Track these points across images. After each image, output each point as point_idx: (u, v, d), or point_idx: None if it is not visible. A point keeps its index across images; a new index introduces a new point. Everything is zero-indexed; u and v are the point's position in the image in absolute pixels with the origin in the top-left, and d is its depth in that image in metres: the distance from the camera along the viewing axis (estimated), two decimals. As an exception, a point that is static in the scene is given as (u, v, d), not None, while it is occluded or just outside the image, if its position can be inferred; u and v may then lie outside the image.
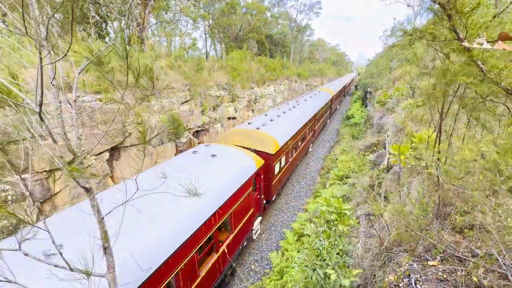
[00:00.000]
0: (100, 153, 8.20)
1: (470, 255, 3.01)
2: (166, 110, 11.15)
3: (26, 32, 1.23)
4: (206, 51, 24.45)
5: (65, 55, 1.31)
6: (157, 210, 4.80)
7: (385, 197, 6.41)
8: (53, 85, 1.31)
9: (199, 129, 13.73)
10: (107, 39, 15.98)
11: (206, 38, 24.68)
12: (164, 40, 19.63)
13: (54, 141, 1.33)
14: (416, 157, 4.50)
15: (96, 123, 8.07)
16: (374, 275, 3.85)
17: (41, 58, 1.19)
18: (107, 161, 8.68)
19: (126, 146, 9.36)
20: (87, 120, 7.84)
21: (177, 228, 4.76)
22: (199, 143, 13.77)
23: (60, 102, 1.30)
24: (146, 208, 4.63)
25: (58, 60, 1.35)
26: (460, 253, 3.03)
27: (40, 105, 1.25)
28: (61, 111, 1.31)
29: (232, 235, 6.85)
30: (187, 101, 12.81)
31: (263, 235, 9.70)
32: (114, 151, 9.07)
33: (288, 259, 7.83)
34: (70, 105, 1.52)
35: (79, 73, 1.52)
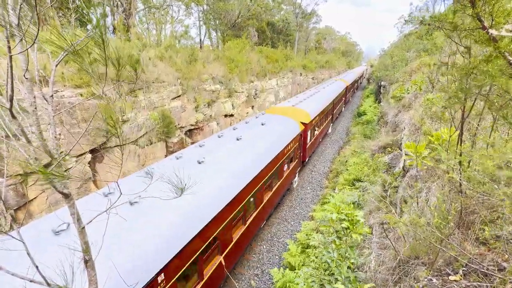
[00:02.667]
0: (80, 155, 8.21)
1: (496, 269, 3.00)
2: (155, 106, 11.17)
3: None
4: (200, 40, 24.47)
5: (34, 43, 1.30)
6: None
7: (401, 207, 6.40)
8: (27, 78, 1.30)
9: (192, 127, 13.74)
10: (89, 27, 16.00)
11: (200, 25, 24.71)
12: (153, 27, 19.66)
13: (28, 141, 1.33)
14: (435, 158, 4.50)
15: (77, 121, 8.08)
16: (389, 292, 3.85)
17: (9, 47, 1.19)
18: (89, 163, 8.68)
19: (110, 147, 9.36)
20: (66, 118, 7.85)
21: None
22: (192, 143, 13.77)
23: (35, 97, 1.30)
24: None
25: (27, 49, 1.34)
26: (485, 267, 3.03)
27: (11, 101, 1.25)
28: (35, 108, 1.30)
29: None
30: (178, 96, 12.82)
31: (264, 246, 9.70)
32: (97, 152, 9.07)
33: (295, 269, 7.86)
34: (46, 100, 1.52)
35: (56, 65, 1.53)
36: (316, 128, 16.84)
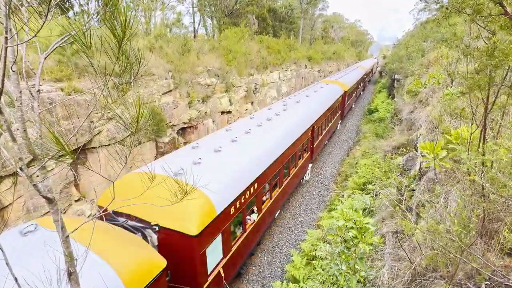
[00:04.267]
0: (62, 156, 8.21)
1: (522, 282, 3.02)
2: (144, 102, 11.18)
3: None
4: (194, 28, 24.49)
5: (35, 35, 1.31)
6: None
7: (417, 213, 6.43)
8: (13, 71, 1.32)
9: (185, 125, 13.76)
10: (70, 14, 16.01)
11: (194, 12, 24.73)
12: (142, 14, 19.68)
13: (13, 139, 1.34)
14: (454, 159, 4.53)
15: (57, 119, 8.09)
16: (404, 307, 3.86)
17: (6, 38, 1.20)
18: (70, 165, 8.69)
19: (95, 147, 9.38)
20: (46, 115, 7.86)
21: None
22: (185, 143, 13.79)
23: (21, 92, 1.31)
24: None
25: (29, 40, 1.36)
26: (511, 280, 3.05)
27: (0, 94, 1.26)
28: (21, 103, 1.32)
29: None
30: (170, 91, 12.83)
31: (265, 258, 9.72)
32: (80, 153, 9.08)
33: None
34: (32, 95, 1.53)
35: (46, 57, 1.54)
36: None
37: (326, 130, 17.93)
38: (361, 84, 37.08)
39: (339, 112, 22.40)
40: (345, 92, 23.36)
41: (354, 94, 30.08)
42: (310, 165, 15.20)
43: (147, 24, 18.37)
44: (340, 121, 23.60)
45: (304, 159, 13.39)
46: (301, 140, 12.28)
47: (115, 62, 1.72)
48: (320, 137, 16.12)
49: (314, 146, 14.90)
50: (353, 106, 31.23)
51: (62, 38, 1.53)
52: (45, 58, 1.58)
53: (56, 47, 1.54)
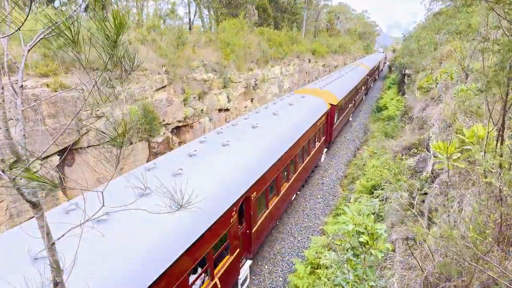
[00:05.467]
0: (46, 157, 8.23)
1: (542, 292, 3.02)
2: (135, 99, 11.19)
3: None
4: (190, 20, 24.52)
5: (3, 20, 1.31)
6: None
7: (429, 217, 6.43)
8: None
9: (180, 124, 13.77)
10: (57, 3, 16.02)
11: (189, 2, 24.75)
12: (133, 5, 19.70)
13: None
14: (469, 160, 4.52)
15: (42, 117, 8.09)
16: (415, 320, 3.86)
17: None
18: (56, 167, 8.69)
19: (82, 147, 9.38)
20: (29, 113, 7.86)
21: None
22: (179, 143, 13.79)
23: (3, 87, 1.30)
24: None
25: (14, 32, 1.35)
26: (530, 290, 3.04)
27: None
28: (3, 100, 1.31)
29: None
30: (163, 87, 12.84)
31: (266, 267, 9.72)
32: (66, 153, 9.08)
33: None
34: (15, 92, 1.53)
35: (29, 50, 1.54)
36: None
37: (286, 187, 11.20)
38: (362, 89, 30.84)
39: (323, 137, 16.42)
40: (333, 106, 17.35)
41: (350, 105, 24.31)
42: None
43: (139, 15, 18.39)
44: (326, 149, 17.96)
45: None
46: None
47: (108, 59, 1.71)
48: (259, 220, 9.16)
49: (252, 232, 8.76)
50: (350, 119, 25.93)
51: (47, 29, 1.53)
52: (29, 51, 1.57)
53: (41, 39, 1.53)
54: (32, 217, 7.85)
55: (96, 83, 1.75)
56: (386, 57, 68.17)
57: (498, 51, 3.85)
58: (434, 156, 6.97)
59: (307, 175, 14.45)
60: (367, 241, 3.91)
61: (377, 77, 49.91)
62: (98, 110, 9.59)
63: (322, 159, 17.40)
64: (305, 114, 13.58)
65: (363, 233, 3.97)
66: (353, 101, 25.61)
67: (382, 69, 59.66)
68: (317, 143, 15.24)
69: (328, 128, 17.42)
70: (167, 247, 5.02)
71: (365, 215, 4.43)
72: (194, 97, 14.47)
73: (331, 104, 17.16)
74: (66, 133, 8.63)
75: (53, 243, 2.06)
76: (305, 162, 13.26)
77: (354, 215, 4.23)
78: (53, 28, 1.52)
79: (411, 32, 43.33)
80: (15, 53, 7.63)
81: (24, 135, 1.53)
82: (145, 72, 12.05)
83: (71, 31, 1.71)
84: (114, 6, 16.98)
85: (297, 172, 12.26)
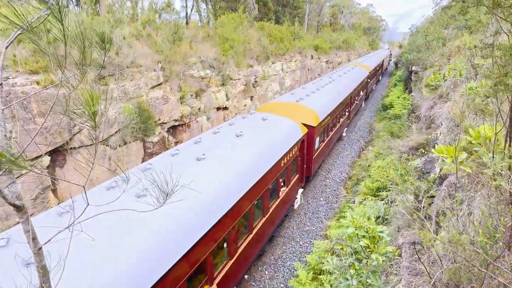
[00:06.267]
0: (36, 158, 8.22)
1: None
2: (130, 97, 11.18)
3: None
4: (186, 14, 24.48)
5: None
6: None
7: (437, 222, 6.41)
8: None
9: (177, 123, 13.76)
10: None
11: (186, -4, 24.70)
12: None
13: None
14: (477, 162, 4.50)
15: (32, 115, 8.09)
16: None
17: None
18: (47, 168, 8.69)
19: (74, 148, 9.38)
20: (19, 111, 7.85)
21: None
22: (176, 143, 13.78)
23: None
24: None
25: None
26: (542, 298, 3.03)
27: None
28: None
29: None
30: (159, 85, 12.83)
31: (266, 272, 9.71)
32: (57, 154, 9.08)
33: None
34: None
35: (7, 46, 1.52)
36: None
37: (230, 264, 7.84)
38: (360, 95, 26.15)
39: (295, 176, 12.21)
40: (311, 130, 12.96)
41: (343, 118, 19.77)
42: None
43: (134, 9, 18.36)
44: (302, 189, 13.62)
45: None
46: None
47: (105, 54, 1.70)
48: None
49: None
50: (343, 134, 21.37)
51: (21, 26, 1.51)
52: (7, 48, 1.56)
53: (18, 35, 1.52)
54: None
55: (82, 78, 1.73)
56: (391, 54, 63.87)
57: (500, 56, 3.84)
58: (443, 160, 6.96)
59: (268, 237, 10.17)
60: (368, 245, 3.90)
61: (380, 78, 44.30)
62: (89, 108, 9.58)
63: (297, 203, 12.89)
64: (263, 147, 9.39)
65: (364, 236, 3.96)
66: (346, 112, 21.01)
67: (386, 68, 55.09)
68: (282, 188, 10.84)
69: (304, 160, 12.97)
70: None
71: (365, 217, 4.41)
72: (191, 95, 14.46)
73: (308, 127, 12.76)
74: (56, 132, 8.62)
75: (40, 248, 2.04)
76: (262, 222, 9.28)
77: (354, 218, 4.22)
78: (24, 28, 1.50)
79: (418, 27, 43.31)
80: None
81: (5, 135, 1.52)
82: (140, 69, 12.04)
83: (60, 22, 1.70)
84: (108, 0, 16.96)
85: (247, 242, 8.40)
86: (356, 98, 24.51)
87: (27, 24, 1.50)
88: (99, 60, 1.90)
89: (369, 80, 31.43)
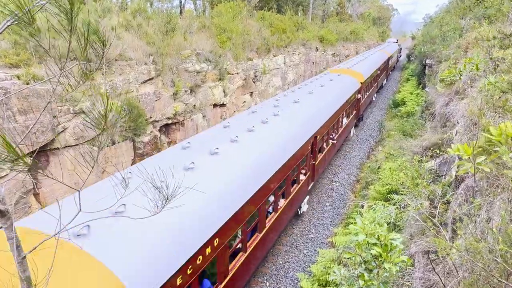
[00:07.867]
0: (16, 159, 8.21)
1: None
2: (119, 93, 11.19)
3: None
4: (180, 2, 24.52)
5: None
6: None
7: (454, 229, 6.42)
8: None
9: (170, 121, 13.77)
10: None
11: (179, -17, 24.73)
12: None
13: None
14: (497, 162, 4.52)
15: (12, 113, 8.09)
16: None
17: None
18: (28, 170, 8.69)
19: (58, 148, 9.38)
20: (-2, 108, 7.86)
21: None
22: (169, 142, 13.79)
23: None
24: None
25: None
26: None
27: None
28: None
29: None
30: (151, 79, 12.84)
31: (267, 283, 9.72)
32: (40, 155, 9.09)
33: None
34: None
35: None
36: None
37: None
38: (359, 115, 23.64)
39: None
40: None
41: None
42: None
43: (123, -2, 18.38)
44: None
45: None
46: None
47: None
48: None
49: None
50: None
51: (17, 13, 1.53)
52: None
53: (10, 24, 1.53)
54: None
55: (66, 72, 1.75)
56: (401, 49, 58.82)
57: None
58: (459, 159, 6.97)
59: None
60: (380, 254, 3.91)
61: (385, 81, 39.17)
62: (76, 105, 9.60)
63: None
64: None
65: (375, 244, 3.97)
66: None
67: (395, 66, 51.29)
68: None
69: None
70: None
71: (377, 224, 4.43)
72: (186, 91, 14.47)
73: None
74: (39, 131, 8.63)
75: (24, 257, 2.06)
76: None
77: (365, 224, 4.23)
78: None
79: (433, 18, 43.34)
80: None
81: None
82: (130, 62, 12.04)
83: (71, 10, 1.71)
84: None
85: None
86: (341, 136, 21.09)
87: (27, 13, 1.52)
88: (88, 54, 1.92)
89: (370, 83, 27.02)
